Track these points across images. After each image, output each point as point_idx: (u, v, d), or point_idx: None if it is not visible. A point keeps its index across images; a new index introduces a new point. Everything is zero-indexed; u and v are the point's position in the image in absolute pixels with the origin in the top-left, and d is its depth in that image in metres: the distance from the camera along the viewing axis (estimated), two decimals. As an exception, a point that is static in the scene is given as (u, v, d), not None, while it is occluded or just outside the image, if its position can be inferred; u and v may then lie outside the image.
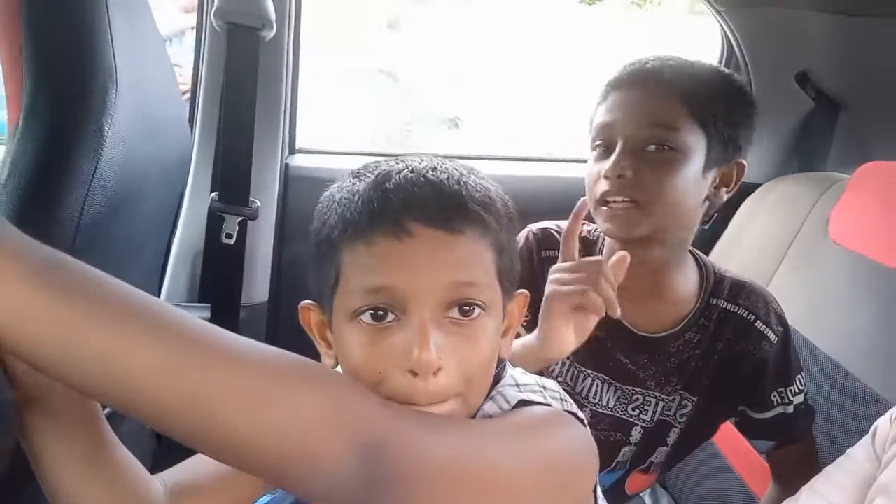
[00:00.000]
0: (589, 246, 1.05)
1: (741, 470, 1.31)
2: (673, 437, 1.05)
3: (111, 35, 0.82)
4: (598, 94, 0.99)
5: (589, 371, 1.03)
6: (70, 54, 0.78)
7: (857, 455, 0.84)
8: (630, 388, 1.02)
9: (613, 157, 0.91)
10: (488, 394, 0.62)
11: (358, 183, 0.59)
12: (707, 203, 0.99)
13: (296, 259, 1.50)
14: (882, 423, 0.83)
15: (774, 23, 1.46)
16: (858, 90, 1.49)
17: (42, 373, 0.42)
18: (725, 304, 1.01)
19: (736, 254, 1.52)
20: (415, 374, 0.54)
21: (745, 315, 1.00)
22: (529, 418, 0.60)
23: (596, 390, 1.03)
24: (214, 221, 1.37)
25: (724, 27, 1.53)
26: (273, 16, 1.29)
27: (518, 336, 0.84)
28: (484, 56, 5.92)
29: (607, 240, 1.02)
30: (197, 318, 0.45)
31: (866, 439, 0.84)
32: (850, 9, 1.36)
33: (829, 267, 1.28)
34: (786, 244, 1.40)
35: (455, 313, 0.56)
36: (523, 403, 0.61)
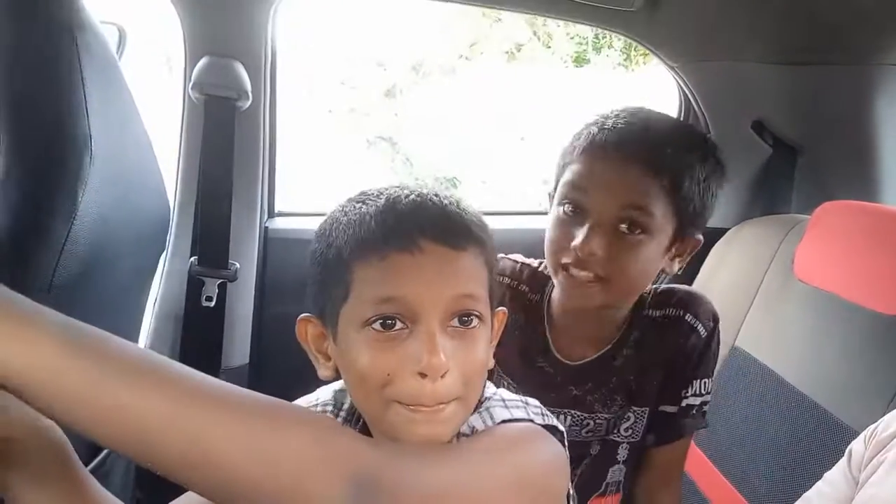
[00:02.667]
0: (540, 280, 1.06)
1: (714, 499, 1.31)
2: (622, 453, 1.05)
3: (86, 107, 0.86)
4: (570, 146, 0.96)
5: (550, 408, 1.04)
6: (46, 126, 0.82)
7: (834, 478, 0.85)
8: (577, 413, 1.03)
9: (584, 232, 0.89)
10: (477, 407, 0.67)
11: (364, 206, 0.64)
12: (662, 272, 0.99)
13: (276, 320, 1.52)
14: (856, 445, 0.84)
15: (727, 75, 1.54)
16: (813, 135, 1.56)
17: (58, 422, 0.47)
18: (653, 311, 1.02)
19: (709, 297, 1.54)
20: (423, 377, 0.59)
21: (673, 313, 1.01)
22: (508, 437, 0.65)
23: None
24: (194, 285, 1.39)
25: (679, 82, 1.60)
26: (248, 87, 1.35)
27: None
28: (479, 119, 6.13)
29: (556, 289, 1.03)
30: (199, 373, 0.49)
31: (842, 462, 0.85)
32: (796, 59, 1.44)
33: (797, 304, 1.31)
34: (755, 285, 1.43)
35: (456, 323, 0.62)
36: (506, 422, 0.66)
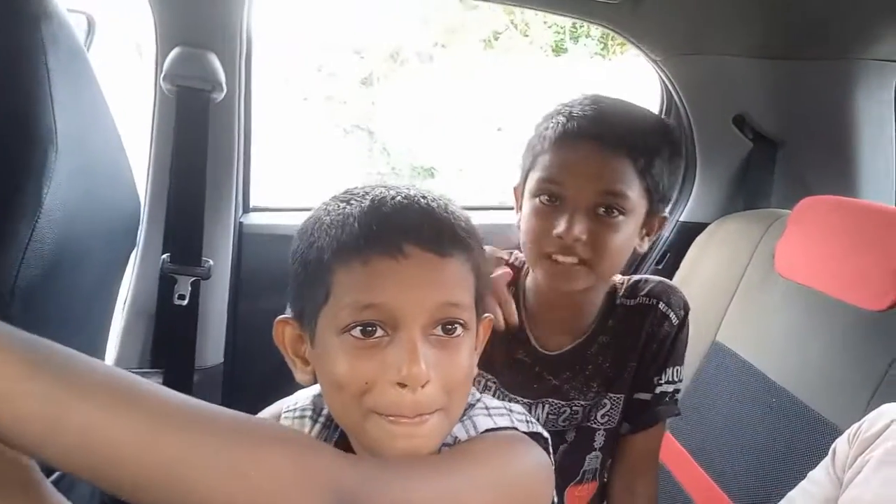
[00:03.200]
0: (514, 271, 1.08)
1: (696, 495, 1.31)
2: (599, 440, 1.07)
3: (52, 100, 0.82)
4: (537, 137, 0.98)
5: (517, 397, 1.05)
6: (9, 119, 0.78)
7: (818, 477, 0.85)
8: (555, 401, 1.05)
9: (566, 219, 0.91)
10: (459, 418, 0.65)
11: (348, 207, 0.62)
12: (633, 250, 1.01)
13: (252, 318, 1.49)
14: (840, 444, 0.84)
15: (709, 69, 1.54)
16: (793, 130, 1.56)
17: (22, 451, 0.44)
18: (627, 300, 1.05)
19: (689, 292, 1.51)
20: (403, 387, 0.57)
21: (646, 301, 1.04)
22: (490, 447, 0.63)
23: (530, 410, 1.05)
24: (166, 283, 1.36)
25: (661, 75, 1.60)
26: (222, 78, 1.31)
27: None
28: (456, 107, 6.10)
29: (529, 278, 1.06)
30: (170, 390, 0.47)
31: (826, 461, 0.85)
32: (777, 54, 1.44)
33: (777, 299, 1.31)
34: (735, 279, 1.43)
35: (439, 331, 0.60)
36: (489, 431, 0.64)
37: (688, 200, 1.72)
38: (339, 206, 0.63)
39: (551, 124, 0.95)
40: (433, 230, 0.60)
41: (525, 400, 1.04)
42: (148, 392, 0.45)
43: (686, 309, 1.06)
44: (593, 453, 1.08)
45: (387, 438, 0.59)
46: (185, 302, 1.36)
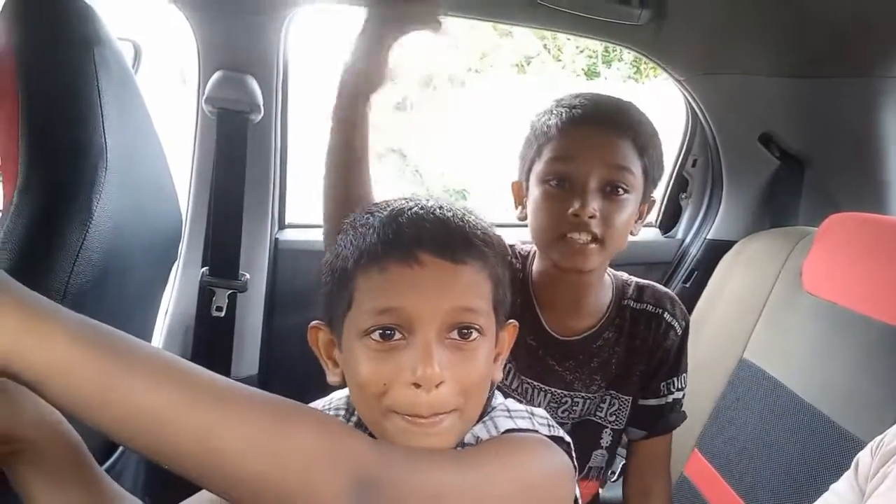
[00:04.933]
0: (521, 259, 1.12)
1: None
2: (606, 438, 1.10)
3: (102, 119, 0.88)
4: (539, 129, 1.02)
5: (523, 377, 1.08)
6: (63, 136, 0.85)
7: (841, 489, 0.85)
8: (559, 391, 1.08)
9: (581, 197, 0.96)
10: (482, 417, 0.68)
11: (371, 218, 0.66)
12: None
13: (285, 331, 1.53)
14: (863, 456, 0.84)
15: (734, 88, 1.55)
16: (820, 147, 1.56)
17: (76, 417, 0.47)
18: (634, 303, 1.09)
19: (717, 309, 1.55)
20: (418, 387, 0.60)
21: (652, 310, 1.08)
22: (511, 445, 0.65)
23: (528, 395, 1.09)
24: (205, 295, 1.41)
25: (687, 95, 1.61)
26: (260, 100, 1.37)
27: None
28: (488, 131, 6.15)
29: (535, 263, 1.09)
30: (207, 370, 0.51)
31: (849, 473, 0.85)
32: (802, 72, 1.45)
33: (805, 316, 1.31)
34: (763, 297, 1.43)
35: (455, 335, 0.63)
36: (510, 431, 0.66)
37: (715, 218, 1.72)
38: (363, 218, 0.67)
39: (553, 115, 1.01)
40: (446, 238, 0.64)
41: (529, 381, 1.08)
42: (187, 368, 0.49)
43: (686, 320, 1.11)
44: (600, 451, 1.11)
45: (404, 436, 0.62)
46: (223, 314, 1.41)
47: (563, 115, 1.00)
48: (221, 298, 1.41)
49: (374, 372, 0.62)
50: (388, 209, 0.67)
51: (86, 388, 0.45)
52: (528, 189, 1.04)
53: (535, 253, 1.10)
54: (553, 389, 1.08)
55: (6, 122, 0.80)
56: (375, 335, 0.62)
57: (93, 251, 0.84)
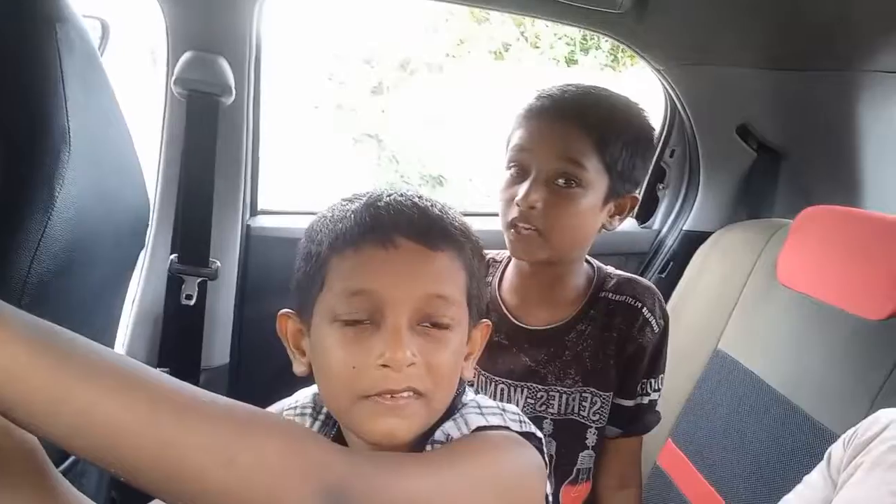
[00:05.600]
0: (495, 267, 1.13)
1: (695, 501, 1.31)
2: (592, 438, 1.09)
3: (65, 101, 0.84)
4: (517, 116, 1.05)
5: (497, 378, 1.08)
6: (23, 119, 0.80)
7: (813, 480, 0.86)
8: (534, 385, 1.08)
9: (525, 186, 0.97)
10: (451, 414, 0.67)
11: (350, 204, 0.66)
12: (602, 228, 1.06)
13: (258, 319, 1.50)
14: (836, 448, 0.85)
15: (712, 79, 1.55)
16: (797, 140, 1.57)
17: (27, 429, 0.45)
18: (612, 295, 1.08)
19: (692, 300, 1.55)
20: (387, 367, 0.59)
21: (631, 302, 1.07)
22: (483, 446, 0.64)
23: (505, 396, 1.08)
24: (174, 283, 1.37)
25: (665, 85, 1.61)
26: (232, 82, 1.33)
27: None
28: (466, 117, 6.13)
29: (512, 261, 1.11)
30: (170, 377, 0.48)
31: (822, 465, 0.87)
32: (781, 64, 1.45)
33: (780, 308, 1.32)
34: (738, 289, 1.44)
35: (426, 324, 0.62)
36: (480, 429, 0.65)
37: (692, 209, 1.73)
38: (341, 205, 0.67)
39: (524, 106, 1.03)
40: (424, 224, 0.63)
41: (504, 380, 1.07)
42: (147, 376, 0.47)
43: (666, 318, 1.09)
44: (586, 452, 1.10)
45: (370, 418, 0.61)
46: (193, 302, 1.38)
47: (529, 104, 1.02)
48: (191, 286, 1.38)
49: (343, 356, 0.61)
50: (367, 196, 0.66)
51: (39, 396, 0.43)
52: None
53: (508, 261, 1.12)
54: (528, 384, 1.07)
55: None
56: (346, 319, 0.61)
57: (55, 240, 0.80)
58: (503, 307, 1.09)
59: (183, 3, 1.30)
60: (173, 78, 1.30)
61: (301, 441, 0.52)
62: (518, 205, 0.97)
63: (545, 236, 0.98)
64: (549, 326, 1.07)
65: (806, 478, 0.88)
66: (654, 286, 1.11)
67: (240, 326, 1.51)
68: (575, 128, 0.98)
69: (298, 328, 0.69)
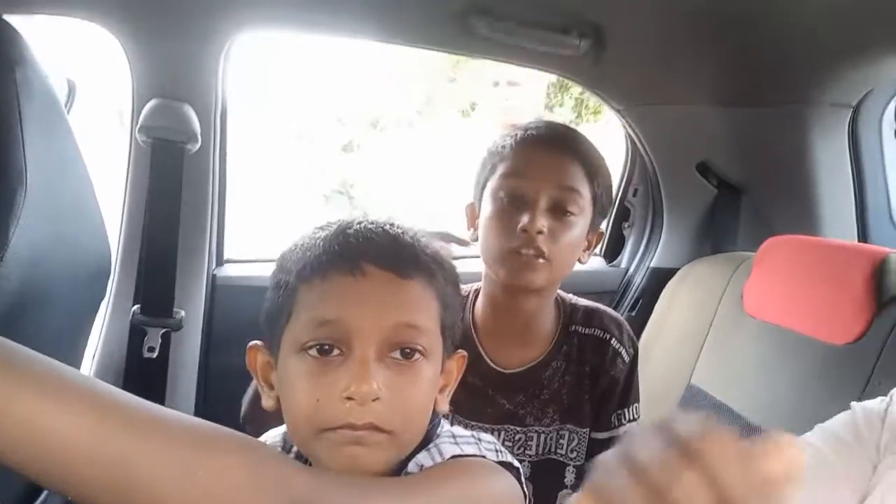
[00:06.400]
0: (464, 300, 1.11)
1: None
2: (570, 477, 1.07)
3: (23, 143, 0.83)
4: (495, 151, 1.05)
5: (472, 422, 1.05)
6: (-23, 159, 0.79)
7: (844, 437, 0.79)
8: (512, 427, 1.06)
9: (530, 212, 0.97)
10: (425, 446, 0.64)
11: (320, 232, 0.64)
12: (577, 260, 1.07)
13: (223, 370, 1.46)
14: (863, 418, 0.80)
15: (671, 118, 1.59)
16: (755, 175, 1.61)
17: None
18: (582, 328, 1.08)
19: (663, 336, 1.56)
20: (351, 400, 0.57)
21: (600, 335, 1.07)
22: (457, 469, 0.62)
23: None
24: (136, 335, 1.33)
25: (626, 125, 1.65)
26: (198, 129, 1.33)
27: None
28: (435, 173, 6.21)
29: (481, 294, 1.09)
30: (123, 391, 0.46)
31: (846, 421, 0.81)
32: (735, 101, 1.50)
33: (748, 339, 1.33)
34: (707, 322, 1.45)
35: (397, 355, 0.60)
36: (456, 458, 0.63)
37: (657, 246, 1.75)
38: (312, 233, 0.66)
39: (509, 137, 1.04)
40: (394, 251, 0.62)
41: (480, 425, 1.05)
42: (97, 388, 0.45)
43: (635, 347, 1.10)
44: (565, 491, 1.07)
45: (332, 451, 0.58)
46: (155, 354, 1.33)
47: (518, 135, 1.03)
48: (154, 338, 1.33)
49: (308, 388, 0.59)
50: (337, 225, 0.65)
51: None
52: (480, 209, 1.05)
53: (476, 291, 1.10)
54: (506, 426, 1.05)
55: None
56: (313, 351, 0.59)
57: (9, 280, 0.78)
58: (479, 347, 1.07)
59: (148, 50, 1.31)
60: (137, 125, 1.30)
61: (266, 458, 0.50)
62: (525, 230, 0.97)
63: (547, 262, 0.99)
64: (524, 367, 1.06)
65: (830, 430, 0.82)
66: (619, 316, 1.12)
67: (205, 377, 1.47)
68: (569, 157, 1.01)
69: (267, 360, 0.67)
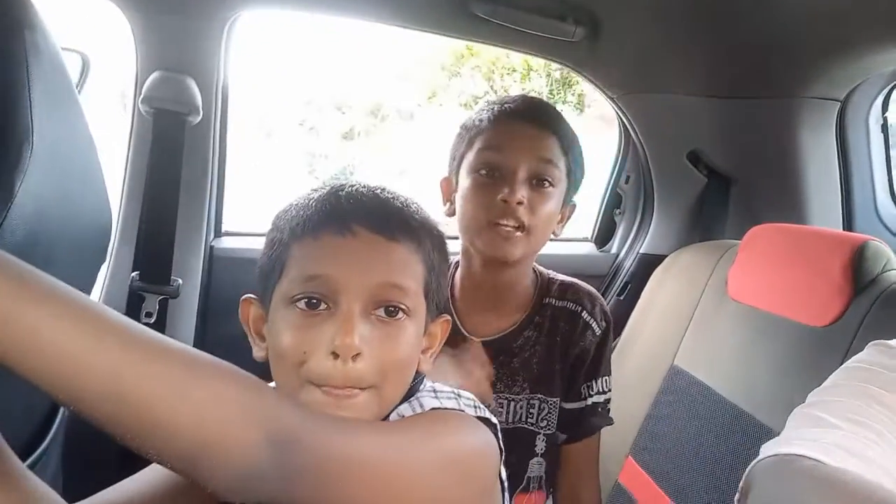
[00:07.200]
0: None
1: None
2: (541, 445, 1.10)
3: (31, 102, 0.86)
4: (471, 125, 1.07)
5: None
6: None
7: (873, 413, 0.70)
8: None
9: (510, 184, 1.00)
10: (408, 398, 0.68)
11: (314, 193, 0.68)
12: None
13: (219, 340, 1.49)
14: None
15: (663, 107, 1.62)
16: (745, 165, 1.64)
17: None
18: (555, 301, 1.11)
19: (649, 319, 1.59)
20: (336, 357, 0.60)
21: (572, 308, 1.10)
22: (436, 419, 0.66)
23: None
24: (135, 300, 1.37)
25: (619, 112, 1.68)
26: (199, 102, 1.36)
27: None
28: (434, 162, 6.23)
29: (460, 267, 1.12)
30: (125, 317, 0.48)
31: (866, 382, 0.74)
32: (726, 93, 1.53)
33: (730, 322, 1.36)
34: (692, 306, 1.48)
35: (381, 312, 0.64)
36: (436, 410, 0.67)
37: (647, 233, 1.78)
38: (307, 194, 0.69)
39: (485, 111, 1.06)
40: (383, 214, 0.65)
41: None
42: (98, 308, 0.47)
43: (608, 320, 1.12)
44: (535, 459, 1.11)
45: (318, 409, 0.61)
46: (153, 320, 1.37)
47: (495, 109, 1.05)
48: (152, 304, 1.37)
49: (295, 340, 0.62)
50: (331, 184, 0.69)
51: None
52: (457, 183, 1.07)
53: (455, 263, 1.13)
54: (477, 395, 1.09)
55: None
56: (301, 304, 0.63)
57: (14, 232, 0.80)
58: (455, 316, 1.09)
59: (153, 24, 1.34)
60: (141, 96, 1.33)
61: (259, 388, 0.53)
62: (506, 201, 0.99)
63: (528, 233, 1.01)
64: (497, 336, 1.09)
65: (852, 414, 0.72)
66: (594, 290, 1.14)
67: (201, 347, 1.48)
68: (546, 130, 1.04)
69: (260, 314, 0.69)
